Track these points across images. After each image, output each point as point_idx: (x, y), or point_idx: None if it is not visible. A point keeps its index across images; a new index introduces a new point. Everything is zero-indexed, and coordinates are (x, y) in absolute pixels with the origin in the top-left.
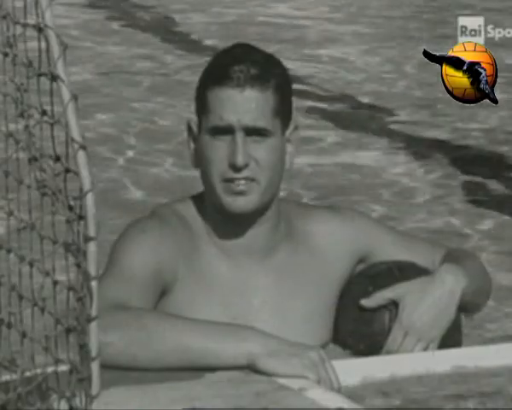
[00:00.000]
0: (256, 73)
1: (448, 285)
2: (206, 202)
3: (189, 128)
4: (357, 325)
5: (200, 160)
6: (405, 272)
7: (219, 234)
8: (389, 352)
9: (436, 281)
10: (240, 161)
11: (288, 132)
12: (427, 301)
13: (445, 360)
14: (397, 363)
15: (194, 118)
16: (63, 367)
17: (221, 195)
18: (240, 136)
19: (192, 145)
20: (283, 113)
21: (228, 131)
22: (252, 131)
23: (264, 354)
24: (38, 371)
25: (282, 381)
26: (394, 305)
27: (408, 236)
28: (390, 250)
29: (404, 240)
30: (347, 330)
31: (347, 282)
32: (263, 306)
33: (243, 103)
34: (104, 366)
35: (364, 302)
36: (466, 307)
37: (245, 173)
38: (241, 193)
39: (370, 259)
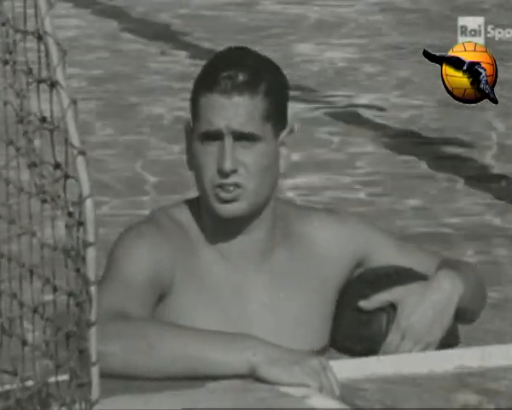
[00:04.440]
0: (245, 79)
1: (446, 290)
2: (201, 206)
3: (187, 130)
4: (355, 327)
5: (193, 164)
6: (404, 277)
7: (215, 238)
8: (386, 354)
9: (434, 285)
10: (227, 166)
11: (282, 136)
12: (426, 305)
13: (447, 361)
14: (398, 362)
15: (190, 121)
16: (63, 374)
17: (212, 201)
18: (228, 141)
19: (187, 147)
20: (275, 117)
21: (217, 136)
22: (240, 137)
23: (266, 362)
24: (38, 377)
25: (283, 389)
26: (392, 307)
27: (405, 242)
28: (387, 256)
29: (402, 246)
30: (345, 333)
31: (345, 286)
32: (260, 308)
33: (232, 109)
34: (106, 376)
35: (362, 304)
36: (463, 315)
37: (233, 179)
38: (229, 201)
39: (368, 263)
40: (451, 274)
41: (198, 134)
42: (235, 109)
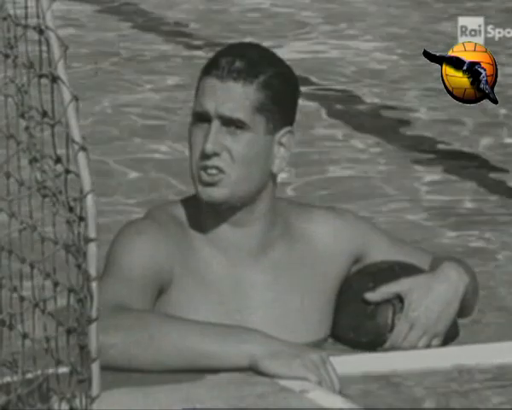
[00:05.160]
0: (241, 66)
1: (452, 281)
2: (200, 202)
3: None
4: (360, 320)
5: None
6: (406, 270)
7: (213, 233)
8: (393, 345)
9: (441, 276)
10: (208, 147)
11: (278, 135)
12: (433, 296)
13: (447, 358)
14: (399, 359)
15: None
16: (64, 369)
17: (196, 183)
18: (215, 124)
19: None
20: (271, 112)
21: (206, 118)
22: (228, 122)
23: (266, 355)
24: (39, 372)
25: (283, 382)
26: (398, 299)
27: (400, 241)
28: (385, 252)
29: (398, 245)
30: (349, 325)
31: (347, 279)
32: (259, 303)
33: (222, 93)
34: (106, 368)
35: (369, 296)
36: (463, 307)
37: (215, 162)
38: (211, 184)
39: (365, 260)
40: (457, 266)
41: (191, 115)
42: (226, 94)
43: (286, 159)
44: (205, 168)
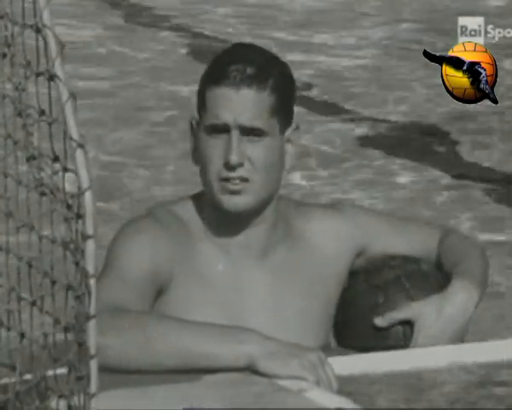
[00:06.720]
0: (253, 72)
1: (462, 304)
2: (204, 201)
3: (191, 125)
4: (372, 341)
5: (198, 157)
6: (413, 279)
7: (217, 233)
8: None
9: (450, 299)
10: (234, 159)
11: (288, 132)
12: (443, 321)
13: (444, 356)
14: (397, 359)
15: (195, 115)
16: (62, 368)
17: (217, 193)
18: (235, 135)
19: (193, 142)
20: (282, 113)
21: (224, 129)
22: (247, 131)
23: (264, 355)
24: (37, 370)
25: (281, 382)
26: (407, 322)
27: (403, 220)
28: (387, 240)
29: (400, 227)
30: (361, 345)
31: (355, 293)
32: (260, 304)
33: (239, 103)
34: (103, 369)
35: (378, 321)
36: None
37: (239, 173)
38: (235, 192)
39: (368, 251)
40: (467, 286)
41: (204, 127)
42: (242, 103)
43: (294, 155)
44: (228, 179)
